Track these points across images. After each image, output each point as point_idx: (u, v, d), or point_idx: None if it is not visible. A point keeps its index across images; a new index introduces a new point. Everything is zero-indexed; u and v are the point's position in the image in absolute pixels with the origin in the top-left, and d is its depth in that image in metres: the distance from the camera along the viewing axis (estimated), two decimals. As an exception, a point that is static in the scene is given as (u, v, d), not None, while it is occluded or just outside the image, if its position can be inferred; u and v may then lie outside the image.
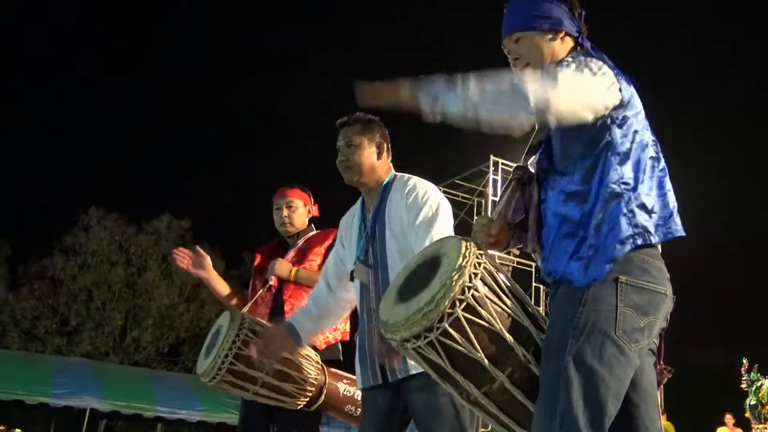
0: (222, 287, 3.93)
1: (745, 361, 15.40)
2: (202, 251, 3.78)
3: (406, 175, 3.00)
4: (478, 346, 1.91)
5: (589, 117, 1.96)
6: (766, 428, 14.59)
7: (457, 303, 1.88)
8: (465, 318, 1.89)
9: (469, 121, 1.87)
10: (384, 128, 3.07)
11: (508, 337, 1.96)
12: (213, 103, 42.74)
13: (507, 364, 1.98)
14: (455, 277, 1.88)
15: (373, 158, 2.99)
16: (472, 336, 1.90)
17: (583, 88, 1.94)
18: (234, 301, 3.94)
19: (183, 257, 3.78)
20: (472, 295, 1.90)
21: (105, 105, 39.06)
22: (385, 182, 2.99)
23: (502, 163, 16.07)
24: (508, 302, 2.00)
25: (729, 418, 14.10)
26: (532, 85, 1.85)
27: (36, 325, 23.19)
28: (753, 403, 14.87)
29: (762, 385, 14.84)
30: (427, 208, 2.81)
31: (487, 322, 1.92)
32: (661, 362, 2.15)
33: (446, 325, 1.87)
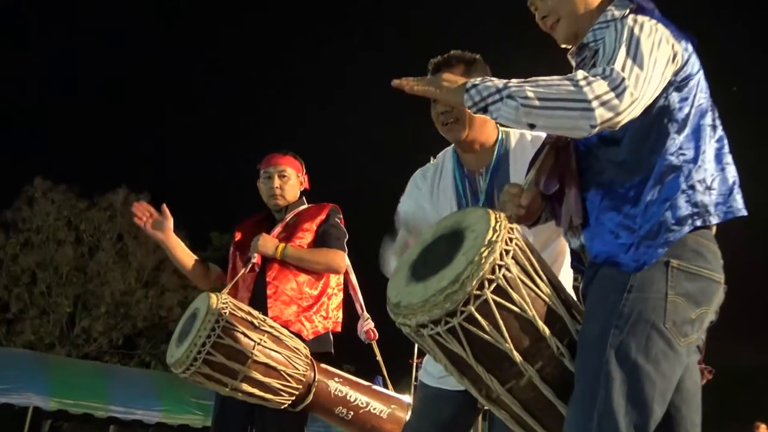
0: (185, 256, 3.88)
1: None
2: (167, 211, 3.71)
3: (532, 132, 2.75)
4: (507, 335, 1.88)
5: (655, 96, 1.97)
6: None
7: (486, 284, 1.84)
8: (494, 301, 1.85)
9: (520, 125, 1.93)
10: (488, 67, 2.82)
11: (542, 326, 1.93)
12: (176, 59, 42.48)
13: (537, 357, 1.95)
14: (485, 254, 1.84)
15: None
16: (501, 323, 1.87)
17: (648, 75, 1.91)
18: (198, 275, 3.91)
19: (143, 213, 3.72)
20: (503, 276, 1.86)
21: (55, 65, 38.71)
22: (500, 137, 2.83)
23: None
24: (542, 285, 1.96)
25: (763, 428, 14.14)
26: (596, 92, 1.86)
27: (-29, 312, 23.11)
28: (790, 410, 14.94)
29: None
30: None
31: (518, 308, 1.89)
32: (702, 361, 2.15)
33: (472, 309, 1.84)
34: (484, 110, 1.94)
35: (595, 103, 1.83)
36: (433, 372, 2.81)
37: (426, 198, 2.93)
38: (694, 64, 2.06)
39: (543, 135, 2.68)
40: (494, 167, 2.78)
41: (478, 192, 2.79)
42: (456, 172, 2.86)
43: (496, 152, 2.80)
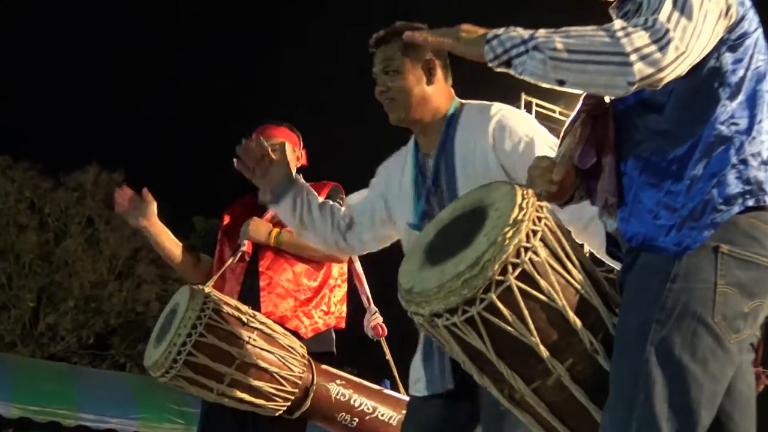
0: (171, 244, 3.91)
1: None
2: (149, 195, 3.74)
3: (482, 103, 2.88)
4: (532, 327, 1.90)
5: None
6: None
7: (510, 268, 1.85)
8: (519, 289, 1.87)
9: (548, 81, 1.92)
10: None
11: (573, 317, 1.94)
12: (155, 26, 42.55)
13: (568, 354, 1.97)
14: (509, 234, 1.85)
15: (423, 85, 2.83)
16: (526, 313, 1.88)
17: (697, 28, 1.90)
18: (188, 266, 3.94)
19: (123, 200, 3.75)
20: (530, 259, 1.88)
21: (16, 27, 38.71)
22: (448, 114, 2.88)
23: (537, 104, 16.11)
24: (575, 272, 1.98)
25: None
26: (635, 45, 1.85)
27: None
28: None
29: None
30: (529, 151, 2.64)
31: (547, 296, 1.91)
32: (758, 362, 2.14)
33: (493, 297, 1.85)
34: (507, 64, 1.94)
35: (633, 57, 1.83)
36: (412, 377, 2.89)
37: (387, 177, 3.05)
38: (752, 21, 2.04)
39: (494, 104, 2.80)
40: (440, 147, 2.84)
41: (427, 175, 2.86)
42: (414, 153, 2.94)
43: (442, 130, 2.85)
